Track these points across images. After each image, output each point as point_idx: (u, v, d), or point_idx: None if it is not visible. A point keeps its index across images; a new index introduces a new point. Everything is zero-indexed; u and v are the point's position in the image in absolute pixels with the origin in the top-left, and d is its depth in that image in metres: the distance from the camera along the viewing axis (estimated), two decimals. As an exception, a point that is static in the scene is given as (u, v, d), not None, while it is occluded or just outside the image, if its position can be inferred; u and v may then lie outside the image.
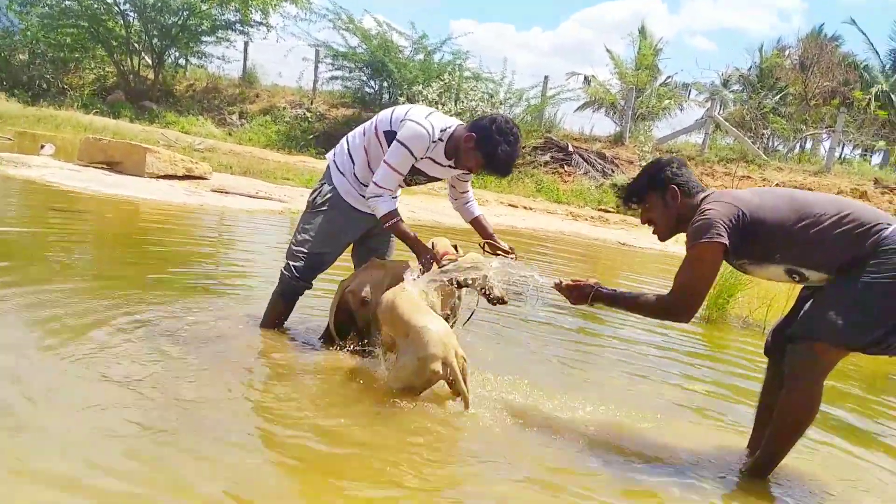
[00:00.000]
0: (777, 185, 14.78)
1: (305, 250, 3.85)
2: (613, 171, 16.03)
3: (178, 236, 6.66)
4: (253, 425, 2.82)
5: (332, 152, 3.95)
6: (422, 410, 3.09)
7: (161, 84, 21.22)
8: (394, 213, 3.59)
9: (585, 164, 16.32)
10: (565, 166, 16.37)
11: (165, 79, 21.62)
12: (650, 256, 9.94)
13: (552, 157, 16.61)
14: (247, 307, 4.33)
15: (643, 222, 3.15)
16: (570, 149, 16.69)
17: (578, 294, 3.15)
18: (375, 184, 3.55)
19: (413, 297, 3.36)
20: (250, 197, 9.61)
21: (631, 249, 10.48)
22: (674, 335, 5.36)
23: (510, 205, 13.53)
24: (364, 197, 3.71)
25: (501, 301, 3.47)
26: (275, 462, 2.58)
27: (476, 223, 3.96)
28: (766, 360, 3.20)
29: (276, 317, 4.00)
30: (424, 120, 3.56)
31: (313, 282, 3.95)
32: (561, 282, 3.20)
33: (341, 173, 3.82)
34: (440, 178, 3.82)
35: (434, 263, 3.54)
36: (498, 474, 2.70)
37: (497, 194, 14.48)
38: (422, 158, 3.60)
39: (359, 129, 3.87)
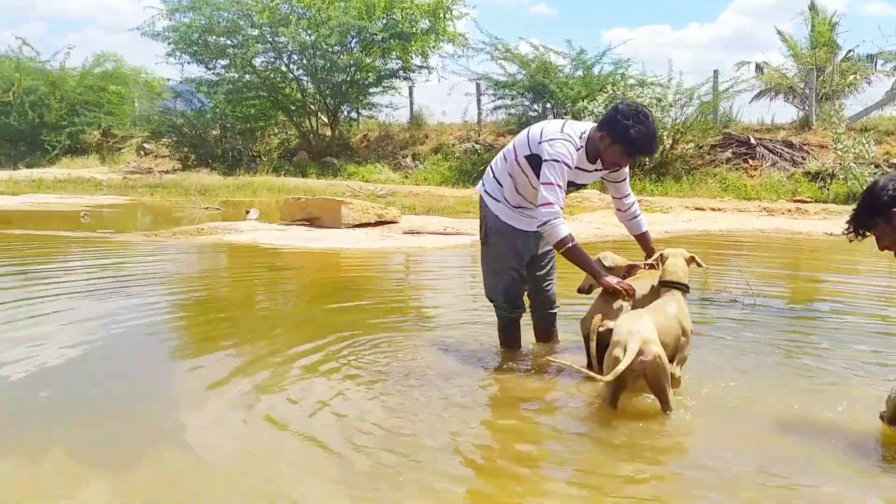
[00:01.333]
0: None
1: (492, 284, 4.09)
2: (804, 159, 15.07)
3: (384, 279, 7.02)
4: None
5: (479, 184, 4.10)
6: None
7: (339, 139, 22.45)
8: (568, 239, 3.64)
9: (772, 154, 15.47)
10: (750, 160, 15.61)
11: (342, 133, 22.85)
12: (865, 244, 9.19)
13: (734, 153, 15.90)
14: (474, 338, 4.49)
15: (881, 249, 3.00)
16: (753, 141, 15.90)
17: None
18: (542, 205, 3.59)
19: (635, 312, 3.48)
20: (440, 234, 9.94)
21: (839, 239, 9.75)
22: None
23: (697, 208, 13.05)
24: (522, 216, 3.86)
25: None
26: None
27: (642, 240, 4.03)
28: None
29: (509, 342, 4.24)
30: (562, 133, 3.62)
31: (523, 303, 4.15)
32: None
33: (495, 199, 3.94)
34: (587, 183, 3.86)
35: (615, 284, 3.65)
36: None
37: (681, 199, 14.04)
38: (572, 169, 3.66)
39: (499, 154, 3.98)
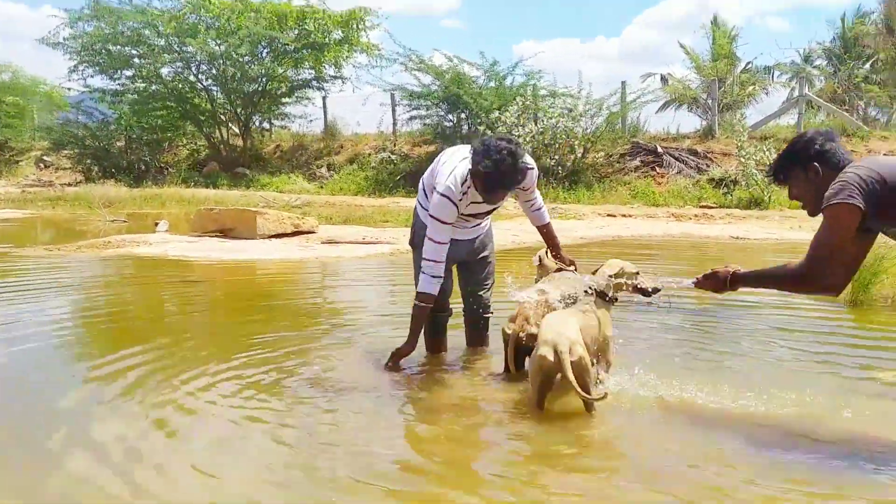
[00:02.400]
0: (886, 154, 14.12)
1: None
2: (709, 166, 15.68)
3: (303, 289, 6.89)
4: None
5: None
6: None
7: (251, 149, 22.08)
8: (423, 297, 3.83)
9: (677, 162, 16.04)
10: (657, 168, 16.12)
11: (254, 144, 22.48)
12: (767, 246, 9.63)
13: (642, 161, 16.40)
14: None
15: (791, 198, 3.10)
16: (660, 150, 16.43)
17: (715, 282, 3.17)
18: (425, 259, 3.81)
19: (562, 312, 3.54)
20: (359, 244, 9.86)
21: (745, 242, 10.19)
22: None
23: (608, 215, 13.38)
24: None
25: (656, 290, 3.64)
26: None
27: (545, 231, 4.21)
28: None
29: (433, 345, 4.32)
30: (445, 184, 3.72)
31: (448, 307, 4.23)
32: (697, 278, 3.25)
33: (425, 210, 4.01)
34: (498, 205, 3.95)
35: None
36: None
37: (593, 206, 14.37)
38: (462, 213, 3.80)
39: (428, 170, 4.07)
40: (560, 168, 16.03)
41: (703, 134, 17.60)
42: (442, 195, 3.72)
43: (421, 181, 4.10)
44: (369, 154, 20.23)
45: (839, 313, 5.52)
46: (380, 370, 4.02)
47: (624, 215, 13.38)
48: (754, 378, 3.82)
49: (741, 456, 2.86)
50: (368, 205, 15.47)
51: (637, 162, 16.44)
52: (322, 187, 19.08)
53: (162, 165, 22.08)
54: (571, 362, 3.16)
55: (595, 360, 3.58)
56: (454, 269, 4.23)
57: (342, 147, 21.57)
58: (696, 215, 13.04)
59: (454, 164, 3.77)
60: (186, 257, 8.84)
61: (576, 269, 4.04)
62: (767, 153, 13.81)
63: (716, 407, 3.39)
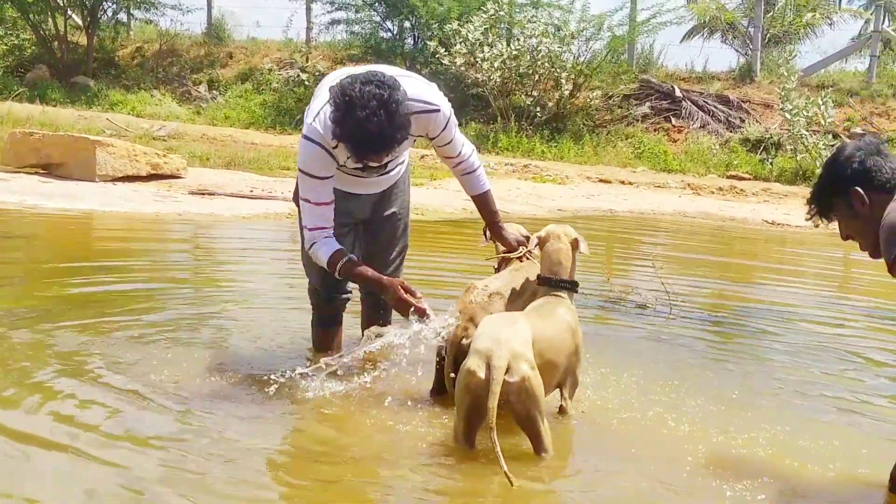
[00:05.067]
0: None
1: (307, 259, 4.15)
2: (744, 121, 15.85)
3: (156, 256, 6.78)
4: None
5: None
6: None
7: (98, 50, 21.57)
8: (337, 256, 3.81)
9: (702, 113, 16.18)
10: (673, 119, 16.24)
11: (103, 43, 21.96)
12: (811, 238, 9.81)
13: (653, 108, 16.50)
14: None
15: (843, 238, 3.18)
16: (678, 94, 16.54)
17: None
18: (304, 228, 3.88)
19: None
20: (244, 198, 9.78)
21: (783, 230, 10.36)
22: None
23: (601, 180, 13.47)
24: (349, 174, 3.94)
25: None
26: None
27: (479, 202, 4.17)
28: None
29: (324, 341, 4.36)
30: (311, 124, 3.72)
31: (347, 288, 4.26)
32: None
33: None
34: (394, 157, 3.89)
35: (406, 296, 3.71)
36: None
37: (581, 166, 14.45)
38: (344, 166, 3.80)
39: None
40: (539, 110, 16.04)
41: (740, 75, 17.78)
42: (307, 138, 3.73)
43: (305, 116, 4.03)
44: (270, 70, 19.96)
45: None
46: (247, 376, 4.03)
47: (623, 182, 13.49)
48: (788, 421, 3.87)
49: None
50: (264, 143, 15.28)
51: (646, 108, 16.53)
52: (199, 113, 18.77)
53: (-35, 66, 21.49)
54: (509, 384, 3.16)
55: (560, 384, 3.61)
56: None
57: (231, 57, 21.24)
58: (720, 188, 13.20)
59: (326, 98, 3.68)
60: (-10, 202, 8.61)
61: (526, 254, 4.03)
62: (823, 108, 13.97)
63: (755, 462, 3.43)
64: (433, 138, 3.91)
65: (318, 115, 3.69)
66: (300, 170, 3.78)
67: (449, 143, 3.95)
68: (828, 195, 3.09)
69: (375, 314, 4.37)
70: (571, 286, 3.72)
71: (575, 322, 3.63)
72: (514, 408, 3.23)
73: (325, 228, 3.81)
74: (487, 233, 4.21)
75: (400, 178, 4.25)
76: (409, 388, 4.03)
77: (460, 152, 4.02)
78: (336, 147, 3.67)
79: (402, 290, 3.70)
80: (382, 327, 3.81)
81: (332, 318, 4.35)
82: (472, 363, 3.20)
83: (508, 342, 3.22)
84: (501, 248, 4.16)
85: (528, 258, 4.04)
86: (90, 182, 9.95)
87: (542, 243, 3.76)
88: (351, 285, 4.27)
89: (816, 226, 3.27)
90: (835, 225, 3.19)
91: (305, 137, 3.72)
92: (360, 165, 3.77)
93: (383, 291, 3.80)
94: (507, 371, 3.16)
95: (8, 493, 2.86)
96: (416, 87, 3.67)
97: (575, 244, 3.75)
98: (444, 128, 3.85)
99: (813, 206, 3.17)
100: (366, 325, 4.32)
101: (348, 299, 4.33)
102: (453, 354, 3.71)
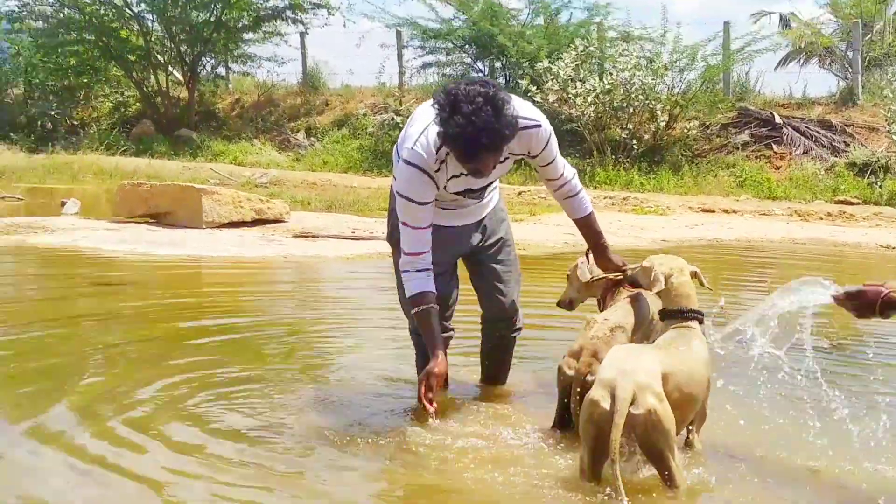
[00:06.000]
0: None
1: (402, 294, 4.07)
2: (848, 145, 15.45)
3: (265, 300, 6.81)
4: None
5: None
6: None
7: (199, 103, 22.08)
8: (419, 300, 3.75)
9: (804, 139, 15.83)
10: (774, 146, 15.92)
11: (203, 96, 22.49)
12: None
13: (753, 136, 16.21)
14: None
15: None
16: (778, 120, 16.24)
17: (861, 302, 3.18)
18: (404, 253, 3.81)
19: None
20: (346, 238, 9.85)
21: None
22: None
23: (703, 210, 13.24)
24: (444, 209, 3.90)
25: None
26: None
27: (582, 225, 4.10)
28: None
29: None
30: (412, 149, 3.64)
31: (449, 328, 4.16)
32: (838, 292, 3.25)
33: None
34: (494, 180, 3.92)
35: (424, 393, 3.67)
36: None
37: (682, 197, 14.23)
38: (443, 187, 3.71)
39: (401, 133, 3.97)
40: (635, 142, 15.88)
41: (841, 99, 17.38)
42: (408, 163, 3.65)
43: (395, 149, 4.00)
44: (365, 115, 20.17)
45: None
46: (363, 417, 4.01)
47: (726, 211, 13.24)
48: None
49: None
50: (362, 186, 15.41)
51: (746, 136, 16.24)
52: (298, 160, 19.04)
53: (75, 123, 22.14)
54: (634, 415, 3.06)
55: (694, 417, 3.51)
56: (458, 268, 4.19)
57: (327, 104, 21.52)
58: (829, 214, 12.85)
59: (426, 121, 3.64)
60: (102, 251, 8.80)
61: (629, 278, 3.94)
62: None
63: None
64: (535, 156, 3.82)
65: (419, 139, 3.63)
66: (399, 194, 3.71)
67: (551, 162, 3.88)
68: None
69: (495, 353, 4.37)
70: (700, 317, 3.60)
71: (708, 353, 3.52)
72: (641, 441, 3.15)
73: (423, 254, 3.74)
74: (590, 256, 4.13)
75: (495, 204, 4.18)
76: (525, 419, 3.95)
77: (563, 174, 3.95)
78: (438, 171, 3.62)
79: (424, 387, 3.68)
80: None
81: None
82: (596, 394, 3.13)
83: (634, 373, 3.14)
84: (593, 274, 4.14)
85: (626, 286, 4.00)
86: (198, 229, 10.12)
87: (667, 278, 3.65)
88: (452, 322, 4.22)
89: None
90: None
91: (406, 162, 3.65)
92: (460, 189, 3.75)
93: (420, 369, 3.92)
94: (633, 403, 3.07)
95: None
96: (517, 103, 3.58)
97: (694, 275, 3.68)
98: (546, 145, 3.78)
99: None
100: (484, 368, 4.42)
101: (452, 337, 4.22)
102: (576, 393, 3.64)
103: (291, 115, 21.44)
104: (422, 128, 3.64)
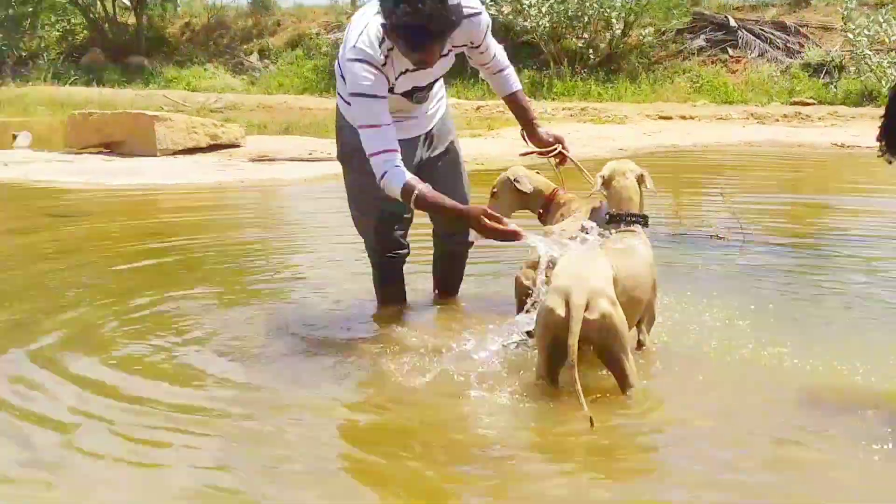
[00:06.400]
0: None
1: (359, 217, 4.15)
2: (803, 46, 15.54)
3: (222, 225, 6.84)
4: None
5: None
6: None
7: (148, 29, 21.74)
8: (410, 186, 3.57)
9: (759, 41, 15.91)
10: (730, 50, 16.02)
11: (152, 21, 22.13)
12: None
13: (708, 41, 16.29)
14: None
15: None
16: (733, 23, 16.28)
17: None
18: (371, 155, 3.62)
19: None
20: (304, 161, 9.80)
21: (854, 152, 10.12)
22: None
23: (661, 117, 13.33)
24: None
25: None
26: None
27: (512, 102, 4.08)
28: None
29: (387, 297, 4.32)
30: (355, 46, 3.55)
31: (405, 243, 4.16)
32: None
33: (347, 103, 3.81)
34: (439, 75, 3.86)
35: (493, 223, 3.48)
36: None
37: (639, 105, 14.28)
38: (393, 84, 3.64)
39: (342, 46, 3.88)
40: (592, 52, 15.85)
41: (795, 0, 17.40)
42: (354, 60, 3.55)
43: (336, 64, 3.87)
44: (319, 34, 19.98)
45: None
46: (324, 336, 4.00)
47: (684, 117, 13.32)
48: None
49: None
50: (318, 107, 15.31)
51: (701, 41, 16.32)
52: (253, 83, 18.94)
53: (23, 55, 21.78)
54: (589, 321, 3.08)
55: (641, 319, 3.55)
56: None
57: (280, 25, 21.31)
58: (785, 115, 12.97)
59: (365, 22, 3.59)
60: (56, 183, 8.70)
61: (563, 154, 4.00)
62: (885, 25, 13.63)
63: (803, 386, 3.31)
64: (477, 45, 3.80)
65: (360, 38, 3.55)
66: (352, 94, 3.56)
67: (488, 46, 3.86)
68: None
69: (446, 264, 4.38)
70: (644, 221, 3.61)
71: (651, 256, 3.55)
72: (597, 345, 3.18)
73: (392, 151, 3.56)
74: (525, 135, 4.11)
75: (442, 116, 4.14)
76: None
77: (494, 54, 3.93)
78: (385, 65, 3.55)
79: (486, 219, 3.45)
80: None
81: (391, 273, 4.23)
82: (552, 301, 3.13)
83: (587, 279, 3.15)
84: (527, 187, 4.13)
85: (565, 153, 4.01)
86: (152, 157, 10.03)
87: (607, 182, 3.64)
88: (408, 237, 4.19)
89: (890, 163, 3.10)
90: None
91: (351, 60, 3.54)
92: (407, 88, 3.70)
93: (466, 221, 3.66)
94: (587, 308, 3.08)
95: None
96: None
97: (640, 179, 3.65)
98: (487, 32, 3.78)
99: (882, 142, 3.03)
100: (437, 280, 4.44)
101: (407, 253, 4.20)
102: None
103: (243, 37, 21.24)
104: (361, 28, 3.57)
